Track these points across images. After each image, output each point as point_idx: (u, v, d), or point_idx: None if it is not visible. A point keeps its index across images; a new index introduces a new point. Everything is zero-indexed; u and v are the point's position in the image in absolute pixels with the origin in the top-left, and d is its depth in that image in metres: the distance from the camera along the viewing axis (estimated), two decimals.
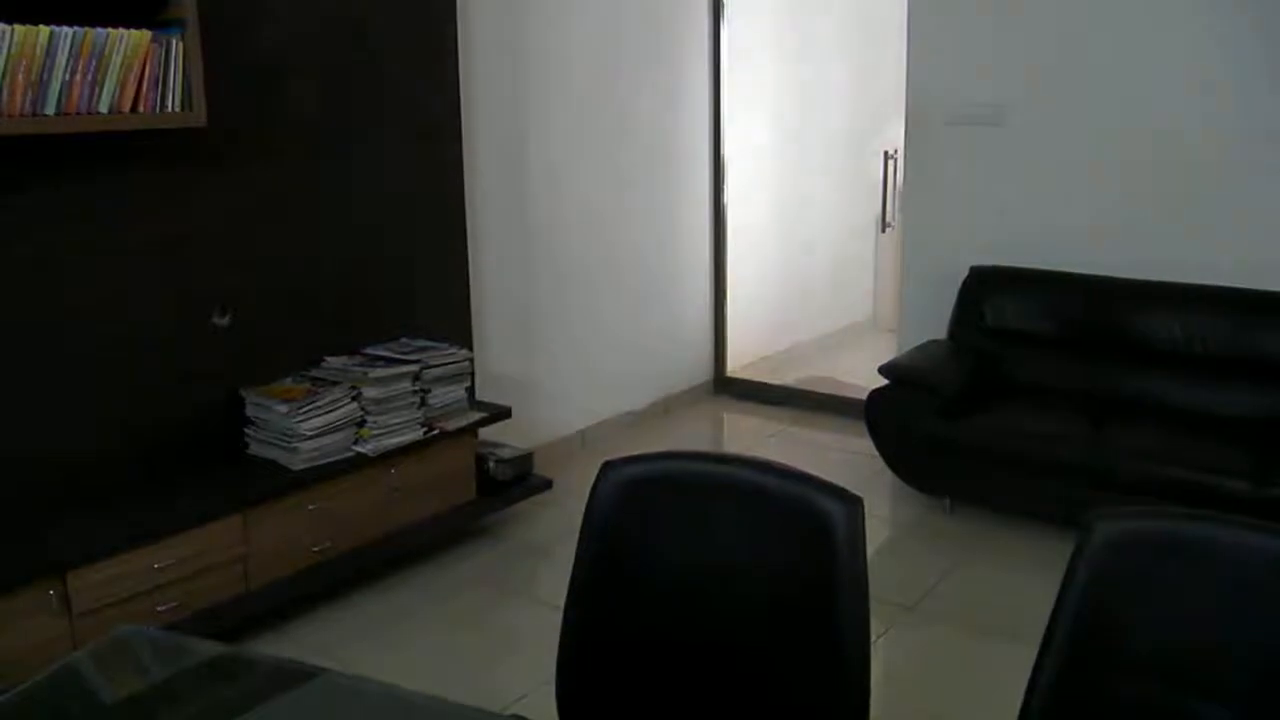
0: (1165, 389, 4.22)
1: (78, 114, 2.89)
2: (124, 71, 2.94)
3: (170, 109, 3.08)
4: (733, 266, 6.00)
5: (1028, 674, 1.55)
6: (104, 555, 2.97)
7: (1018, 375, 4.52)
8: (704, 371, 6.02)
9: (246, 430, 3.59)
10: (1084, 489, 3.87)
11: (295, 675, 1.70)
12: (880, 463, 4.47)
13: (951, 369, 4.41)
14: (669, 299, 5.68)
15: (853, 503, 1.62)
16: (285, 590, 3.44)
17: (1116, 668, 1.49)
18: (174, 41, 3.04)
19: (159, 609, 3.09)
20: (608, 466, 1.79)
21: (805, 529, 1.64)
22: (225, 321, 3.55)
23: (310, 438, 3.47)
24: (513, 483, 4.19)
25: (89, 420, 3.25)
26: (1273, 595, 1.41)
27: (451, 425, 3.89)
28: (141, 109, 3.01)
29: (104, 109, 2.93)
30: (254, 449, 3.59)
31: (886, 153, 6.35)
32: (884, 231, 6.76)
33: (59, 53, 2.81)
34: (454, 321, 4.28)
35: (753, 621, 1.70)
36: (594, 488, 1.79)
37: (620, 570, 1.78)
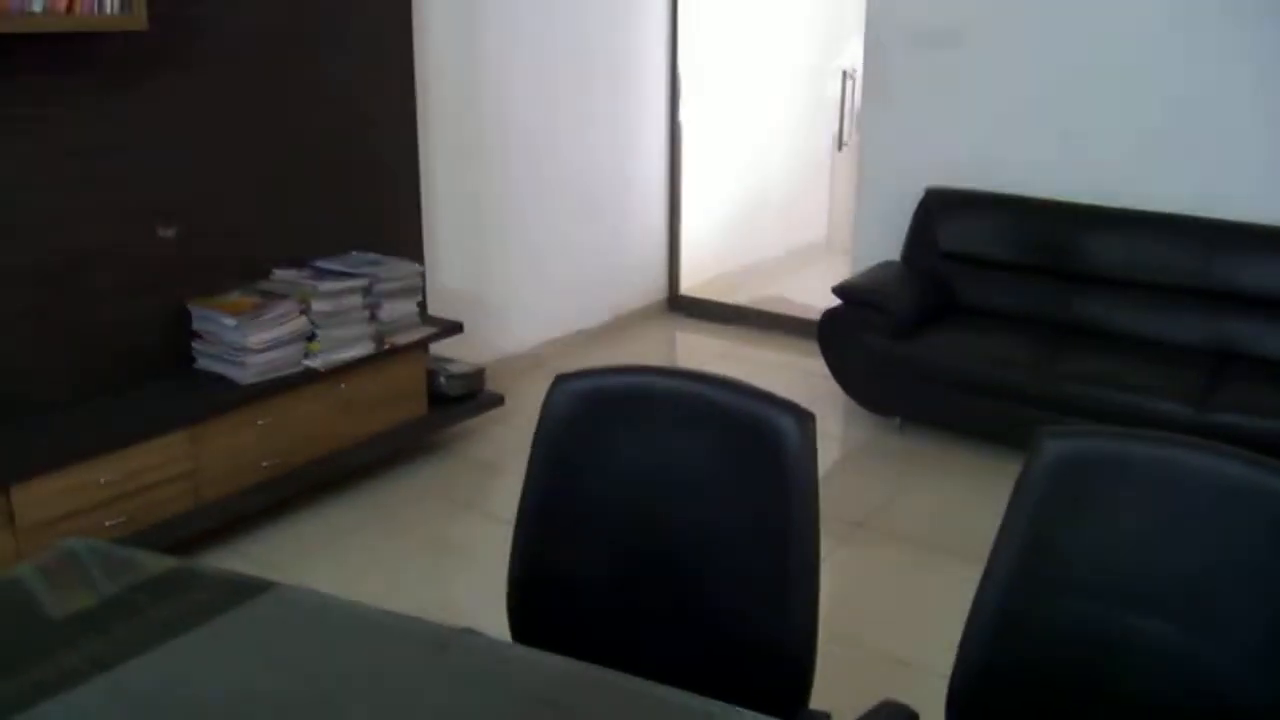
0: (1115, 314, 4.27)
1: (9, 13, 2.78)
2: None
3: (109, 11, 2.97)
4: (687, 185, 5.97)
5: (974, 591, 1.57)
6: (48, 470, 2.93)
7: (970, 298, 4.56)
8: (658, 290, 6.01)
9: (194, 344, 3.54)
10: (1031, 411, 3.92)
11: (247, 589, 1.69)
12: (832, 382, 4.51)
13: (904, 290, 4.43)
14: (623, 217, 5.64)
15: (805, 418, 1.63)
16: (235, 505, 3.42)
17: (1060, 584, 1.51)
18: None
19: (107, 524, 3.06)
20: (560, 380, 1.78)
21: (757, 444, 1.64)
22: (171, 233, 3.47)
23: (259, 352, 3.42)
24: (464, 398, 4.18)
25: (30, 334, 3.18)
26: (1212, 513, 1.43)
27: (402, 340, 3.86)
28: (78, 10, 2.90)
29: (38, 8, 2.82)
30: (202, 363, 3.54)
31: (845, 72, 6.30)
32: (840, 151, 6.72)
33: None
34: (405, 236, 4.22)
35: (704, 536, 1.71)
36: (546, 401, 1.78)
37: (571, 484, 1.78)
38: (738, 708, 1.38)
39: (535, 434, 1.78)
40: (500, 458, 4.17)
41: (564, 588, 1.81)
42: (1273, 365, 3.94)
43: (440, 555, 3.53)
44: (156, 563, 1.79)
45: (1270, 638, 1.39)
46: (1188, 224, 4.19)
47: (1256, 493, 1.41)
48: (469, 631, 1.65)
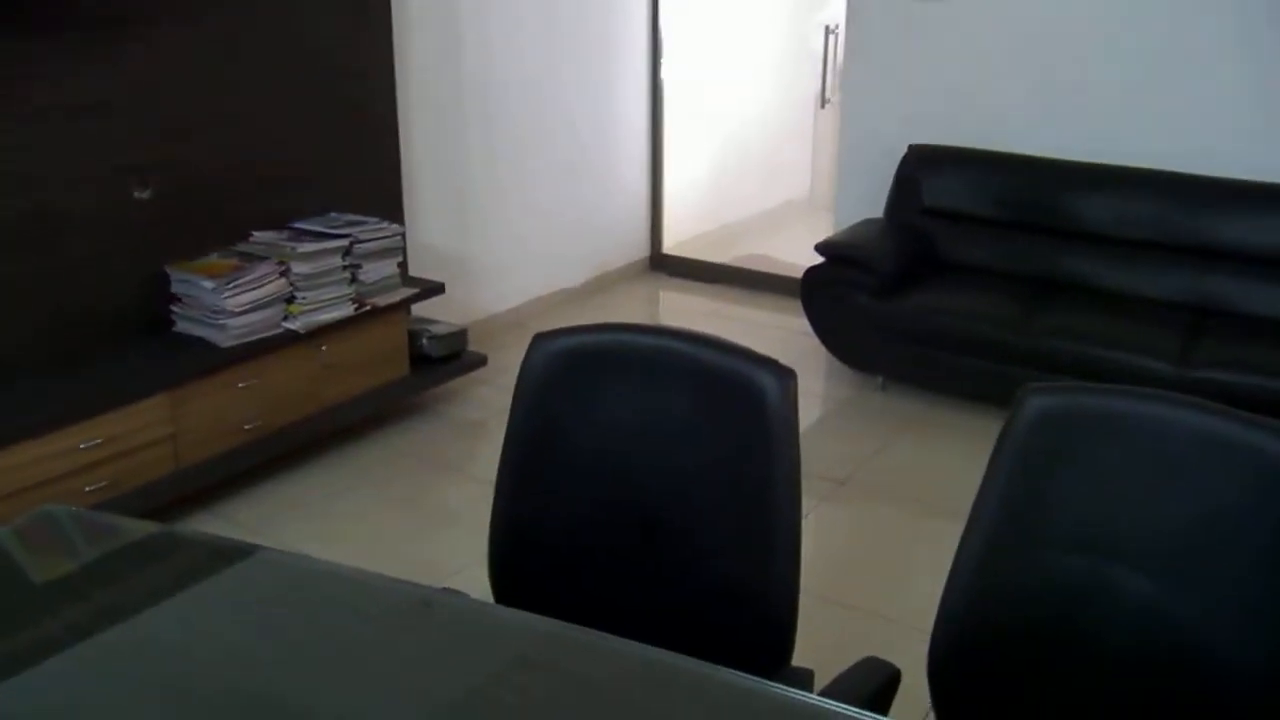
0: (1098, 271, 4.27)
1: None
2: None
3: None
4: (669, 143, 5.93)
5: (955, 548, 1.58)
6: (26, 436, 2.91)
7: (953, 255, 4.55)
8: (640, 249, 5.99)
9: (173, 307, 3.51)
10: (1014, 368, 3.93)
11: (229, 552, 1.69)
12: (815, 340, 4.51)
13: (887, 248, 4.42)
14: (605, 175, 5.61)
15: (786, 375, 1.62)
16: (217, 469, 3.41)
17: (1041, 540, 1.52)
18: None
19: (87, 489, 3.05)
20: (539, 338, 1.77)
21: (738, 401, 1.64)
22: (147, 194, 3.43)
23: (238, 314, 3.40)
24: (446, 359, 4.16)
25: (5, 300, 3.14)
26: (1193, 468, 1.44)
27: (383, 301, 3.84)
28: None
29: None
30: (181, 326, 3.51)
31: (828, 27, 6.25)
32: (823, 108, 6.68)
33: None
34: (385, 196, 4.18)
35: (686, 495, 1.71)
36: (525, 360, 1.77)
37: (552, 443, 1.77)
38: (719, 666, 1.39)
39: (515, 394, 1.77)
40: (483, 419, 4.17)
41: (545, 547, 1.81)
42: (1252, 321, 3.95)
43: (423, 516, 3.53)
44: (137, 528, 1.78)
45: (1250, 593, 1.40)
46: (1170, 180, 4.18)
47: (1237, 448, 1.41)
48: (451, 592, 1.66)
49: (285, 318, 3.55)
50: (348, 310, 3.71)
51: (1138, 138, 4.30)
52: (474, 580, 1.87)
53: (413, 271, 4.25)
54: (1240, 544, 1.41)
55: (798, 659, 1.71)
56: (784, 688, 1.39)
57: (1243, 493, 1.41)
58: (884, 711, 1.55)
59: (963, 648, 1.57)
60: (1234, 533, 1.41)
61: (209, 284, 3.38)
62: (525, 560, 1.81)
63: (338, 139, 3.99)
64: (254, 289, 3.44)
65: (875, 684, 1.59)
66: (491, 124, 4.79)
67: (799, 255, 4.84)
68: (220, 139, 3.61)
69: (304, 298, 3.57)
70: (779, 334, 4.97)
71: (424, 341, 4.08)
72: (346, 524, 3.43)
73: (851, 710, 1.35)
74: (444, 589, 1.64)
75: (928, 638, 1.60)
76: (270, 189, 3.79)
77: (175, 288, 3.49)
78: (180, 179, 3.51)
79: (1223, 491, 1.42)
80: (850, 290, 4.30)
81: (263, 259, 3.52)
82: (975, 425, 3.98)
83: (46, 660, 1.41)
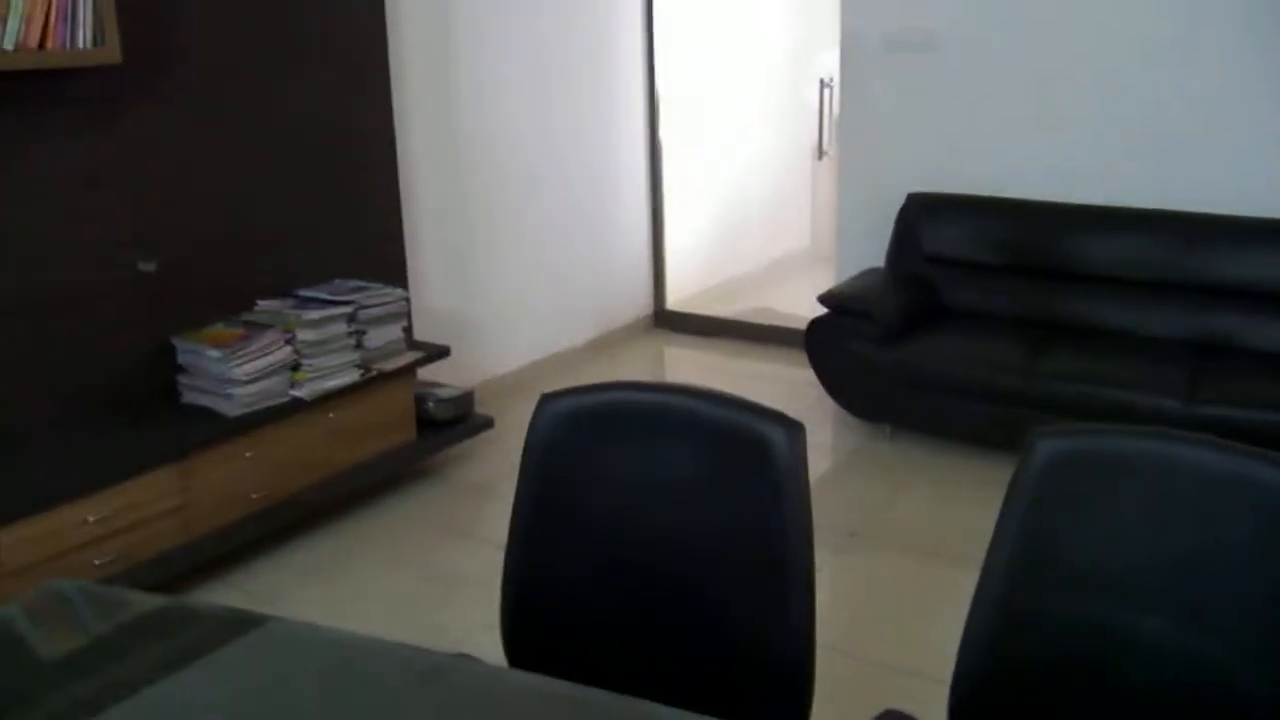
0: (1102, 312, 4.27)
1: None
2: (29, 6, 2.81)
3: (81, 45, 2.96)
4: (669, 200, 5.97)
5: (971, 596, 1.56)
6: (34, 510, 2.90)
7: (956, 301, 4.56)
8: (644, 306, 6.01)
9: (179, 378, 3.52)
10: (1021, 412, 3.92)
11: (241, 624, 1.67)
12: (821, 391, 4.51)
13: (890, 296, 4.43)
14: (607, 234, 5.64)
15: (794, 428, 1.62)
16: (227, 538, 3.40)
17: (1058, 585, 1.51)
18: None
19: (96, 562, 3.04)
20: (546, 399, 1.77)
21: (747, 456, 1.63)
22: (152, 267, 3.45)
23: (245, 383, 3.40)
24: (453, 422, 4.16)
25: (11, 371, 3.16)
26: (1205, 506, 1.43)
27: (389, 366, 3.85)
28: (50, 46, 2.89)
29: (9, 46, 2.81)
30: (187, 397, 3.52)
31: (822, 80, 6.32)
32: (820, 160, 6.75)
33: None
34: (388, 261, 4.21)
35: (697, 551, 1.69)
36: (532, 421, 1.77)
37: (561, 504, 1.77)
38: None
39: (523, 455, 1.77)
40: (491, 481, 4.16)
41: (558, 609, 1.79)
42: (1256, 356, 3.95)
43: (434, 581, 3.51)
44: (147, 601, 1.76)
45: (1267, 629, 1.38)
46: (1167, 219, 4.20)
47: (1247, 483, 1.41)
48: (464, 657, 1.64)
49: (292, 385, 3.55)
50: (354, 376, 3.72)
51: (1132, 178, 4.32)
52: (487, 644, 1.85)
53: (417, 335, 4.26)
54: (1255, 580, 1.40)
55: (817, 713, 1.69)
56: None
57: (1257, 529, 1.40)
58: None
59: (983, 694, 1.55)
60: (1249, 569, 1.40)
61: (215, 354, 3.39)
62: (538, 622, 1.80)
63: (339, 205, 4.02)
64: (260, 357, 3.45)
65: None
66: (492, 185, 4.83)
67: (802, 307, 4.85)
68: (222, 208, 3.64)
69: (310, 365, 3.58)
70: (784, 386, 4.97)
71: (430, 405, 4.08)
72: (357, 590, 3.41)
73: None
74: (457, 654, 1.62)
75: (946, 687, 1.58)
76: (273, 257, 3.82)
77: (181, 358, 3.50)
78: (184, 250, 3.54)
79: (1236, 528, 1.41)
80: (854, 340, 4.30)
81: (268, 327, 3.53)
82: (985, 471, 3.97)
83: None
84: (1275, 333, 3.97)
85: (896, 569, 3.51)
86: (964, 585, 1.58)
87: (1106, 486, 1.48)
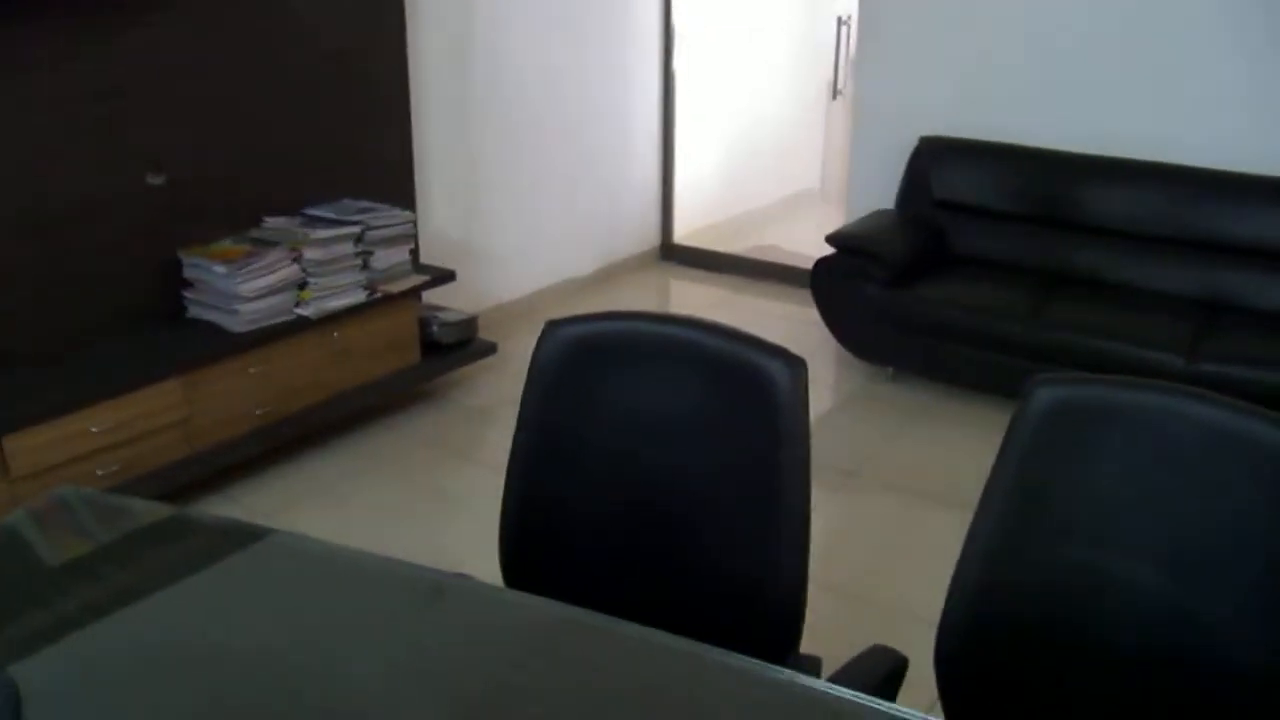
0: (1109, 264, 4.26)
1: None
2: None
3: None
4: (681, 133, 5.92)
5: (964, 539, 1.58)
6: (40, 419, 2.93)
7: (963, 246, 4.55)
8: (651, 238, 5.99)
9: (185, 293, 3.53)
10: (1024, 360, 3.93)
11: (244, 536, 1.70)
12: (824, 331, 4.51)
13: (898, 239, 4.42)
14: (617, 164, 5.61)
15: (796, 363, 1.63)
16: (229, 453, 3.43)
17: (1049, 531, 1.52)
18: None
19: (99, 472, 3.07)
20: (552, 325, 1.77)
21: (748, 390, 1.64)
22: (160, 180, 3.44)
23: (250, 300, 3.41)
24: (457, 347, 4.18)
25: (20, 286, 3.16)
26: (1203, 462, 1.44)
27: (395, 288, 3.85)
28: None
29: None
30: (193, 312, 3.53)
31: (840, 18, 6.24)
32: (835, 99, 6.68)
33: None
34: (397, 184, 4.19)
35: (695, 481, 1.71)
36: (537, 346, 1.77)
37: (562, 430, 1.78)
38: (728, 651, 1.40)
39: (526, 380, 1.78)
40: (493, 406, 4.18)
41: (555, 534, 1.82)
42: (1262, 316, 3.95)
43: (434, 502, 3.55)
44: (151, 510, 1.79)
45: (1258, 586, 1.40)
46: (1181, 173, 4.17)
47: (1244, 441, 1.41)
48: (463, 577, 1.67)
49: (297, 304, 3.56)
50: (360, 297, 3.72)
51: (1152, 130, 4.28)
52: (486, 565, 1.88)
53: (424, 259, 4.26)
54: (1252, 540, 1.40)
55: (806, 647, 1.72)
56: (792, 673, 1.40)
57: (1255, 488, 1.40)
58: (891, 699, 1.55)
59: (969, 637, 1.58)
60: (1246, 528, 1.41)
61: (222, 269, 3.39)
62: (535, 546, 1.82)
63: (350, 126, 3.99)
64: (267, 275, 3.45)
65: (883, 672, 1.60)
66: (503, 113, 4.79)
67: (810, 246, 4.84)
68: (234, 125, 3.62)
69: (316, 284, 3.58)
70: (789, 324, 4.97)
71: (435, 329, 4.10)
72: (357, 509, 3.45)
73: (859, 696, 1.36)
74: (456, 574, 1.65)
75: (934, 628, 1.60)
76: (283, 175, 3.80)
77: (188, 273, 3.50)
78: (193, 165, 3.52)
79: (1234, 486, 1.42)
80: (860, 281, 4.30)
81: (275, 245, 3.53)
82: (984, 417, 3.99)
83: (62, 639, 1.42)
84: (1278, 292, 3.96)
85: (892, 510, 3.54)
86: (958, 529, 1.60)
87: (1104, 437, 1.49)
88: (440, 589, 1.59)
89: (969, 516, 1.57)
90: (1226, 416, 1.44)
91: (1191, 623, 1.43)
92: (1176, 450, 1.45)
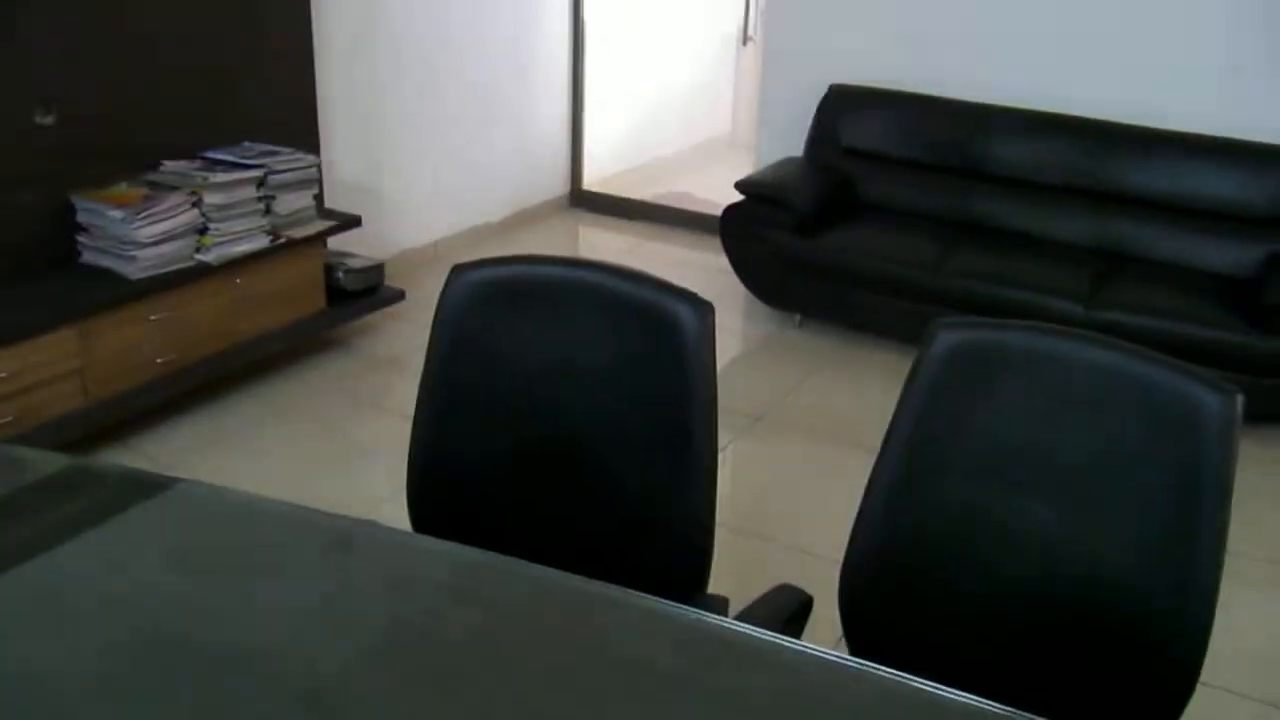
0: (1012, 213, 4.34)
1: None
2: None
3: None
4: (591, 79, 5.87)
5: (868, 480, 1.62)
6: None
7: (871, 195, 4.60)
8: (560, 185, 5.95)
9: (78, 238, 3.41)
10: (929, 307, 4.01)
11: (147, 486, 1.67)
12: (733, 278, 4.54)
13: (806, 187, 4.46)
14: (525, 110, 5.55)
15: (702, 306, 1.64)
16: (129, 403, 3.35)
17: (947, 470, 1.57)
18: None
19: None
20: (458, 270, 1.76)
21: (656, 333, 1.65)
22: (49, 120, 3.31)
23: (148, 245, 3.32)
24: (363, 293, 4.12)
25: None
26: (1095, 403, 1.49)
27: (298, 234, 3.78)
28: None
29: None
30: (87, 257, 3.42)
31: None
32: (745, 45, 6.67)
33: None
34: (300, 126, 4.09)
35: (603, 425, 1.72)
36: (443, 292, 1.76)
37: (469, 374, 1.78)
38: (636, 591, 1.42)
39: (433, 325, 1.77)
40: (401, 353, 4.14)
41: (464, 478, 1.82)
42: (1160, 266, 4.07)
43: (340, 451, 3.51)
44: (49, 461, 1.75)
45: (1148, 525, 1.45)
46: (1081, 125, 4.26)
47: (1134, 381, 1.47)
48: (370, 523, 1.66)
49: (198, 250, 3.48)
50: (262, 242, 3.64)
51: (1057, 82, 4.35)
52: (394, 513, 1.87)
53: (329, 205, 4.18)
54: (1139, 478, 1.46)
55: (714, 588, 1.75)
56: (700, 612, 1.42)
57: (1143, 427, 1.45)
58: (797, 636, 1.59)
59: (873, 574, 1.62)
60: (1133, 466, 1.46)
61: (118, 214, 3.29)
62: (444, 492, 1.82)
63: (252, 66, 3.88)
64: (165, 219, 3.36)
65: (788, 610, 1.64)
66: (409, 57, 4.70)
67: (719, 193, 4.85)
68: (131, 64, 3.49)
69: (217, 229, 3.50)
70: (698, 271, 4.99)
71: (340, 275, 4.03)
72: (262, 459, 3.40)
73: (765, 633, 1.39)
74: (364, 520, 1.64)
75: (839, 566, 1.64)
76: (181, 117, 3.69)
77: (81, 217, 3.39)
78: (87, 105, 3.39)
79: (1123, 426, 1.47)
80: (769, 228, 4.33)
81: (174, 189, 3.43)
82: (890, 362, 4.06)
83: None
84: (1176, 243, 4.08)
85: (797, 453, 3.60)
86: (863, 470, 1.64)
87: (1001, 379, 1.54)
88: (348, 535, 1.58)
89: (873, 459, 1.61)
90: (1118, 359, 1.49)
91: (1085, 558, 1.49)
92: (1070, 391, 1.50)
